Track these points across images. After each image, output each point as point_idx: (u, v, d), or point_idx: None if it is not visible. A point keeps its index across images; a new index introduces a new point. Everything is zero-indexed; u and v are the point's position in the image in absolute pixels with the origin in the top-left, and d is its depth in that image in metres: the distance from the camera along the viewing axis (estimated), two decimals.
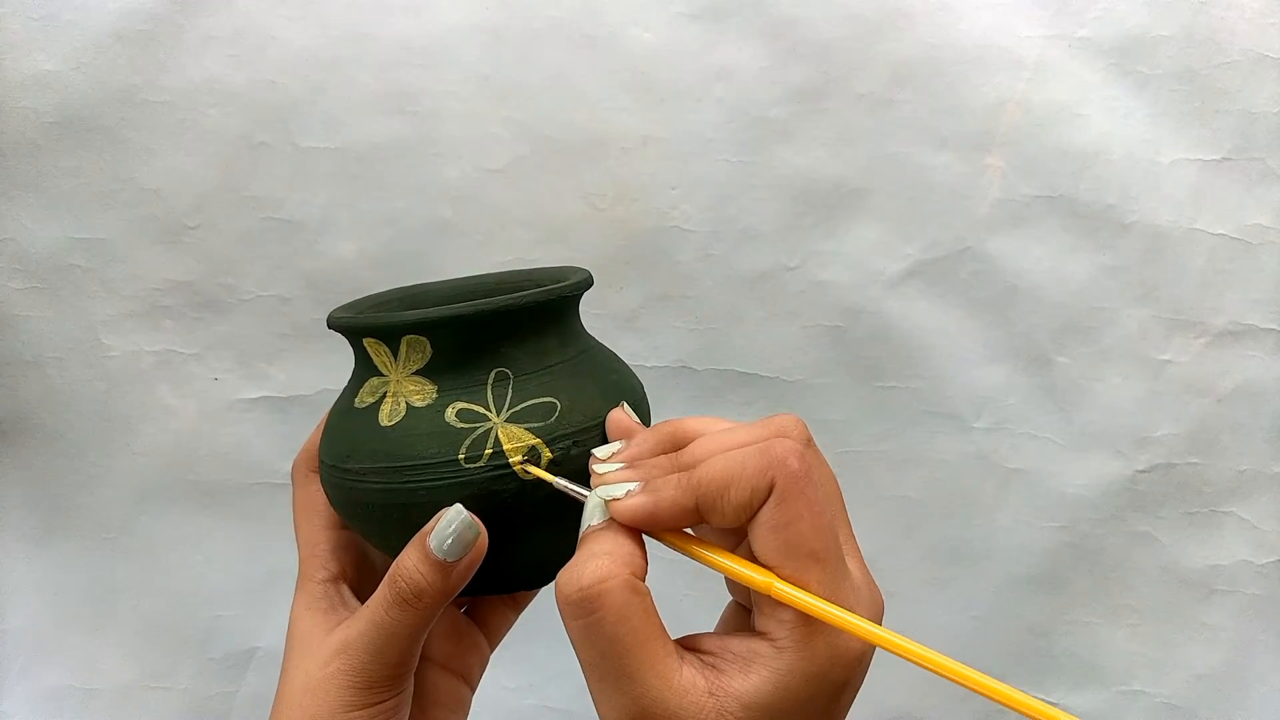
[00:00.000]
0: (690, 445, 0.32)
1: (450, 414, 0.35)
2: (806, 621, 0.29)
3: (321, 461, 0.38)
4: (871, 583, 0.31)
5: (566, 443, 0.35)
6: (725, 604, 0.35)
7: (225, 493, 0.63)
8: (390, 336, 0.36)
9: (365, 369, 0.37)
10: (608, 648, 0.29)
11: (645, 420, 0.39)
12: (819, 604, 0.28)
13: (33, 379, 0.61)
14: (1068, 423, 0.64)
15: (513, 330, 0.36)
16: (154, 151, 0.59)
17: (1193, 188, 0.61)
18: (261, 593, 0.65)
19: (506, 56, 0.59)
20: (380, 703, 0.35)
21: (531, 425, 0.35)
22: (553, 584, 0.43)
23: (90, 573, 0.64)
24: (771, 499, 0.29)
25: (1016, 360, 0.64)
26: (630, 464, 0.33)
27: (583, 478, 0.34)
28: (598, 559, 0.29)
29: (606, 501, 0.31)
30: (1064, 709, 0.26)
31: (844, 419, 0.64)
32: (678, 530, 0.32)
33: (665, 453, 0.33)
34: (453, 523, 0.33)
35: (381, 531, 0.37)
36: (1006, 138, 0.61)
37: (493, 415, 0.35)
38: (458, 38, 0.59)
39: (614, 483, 0.32)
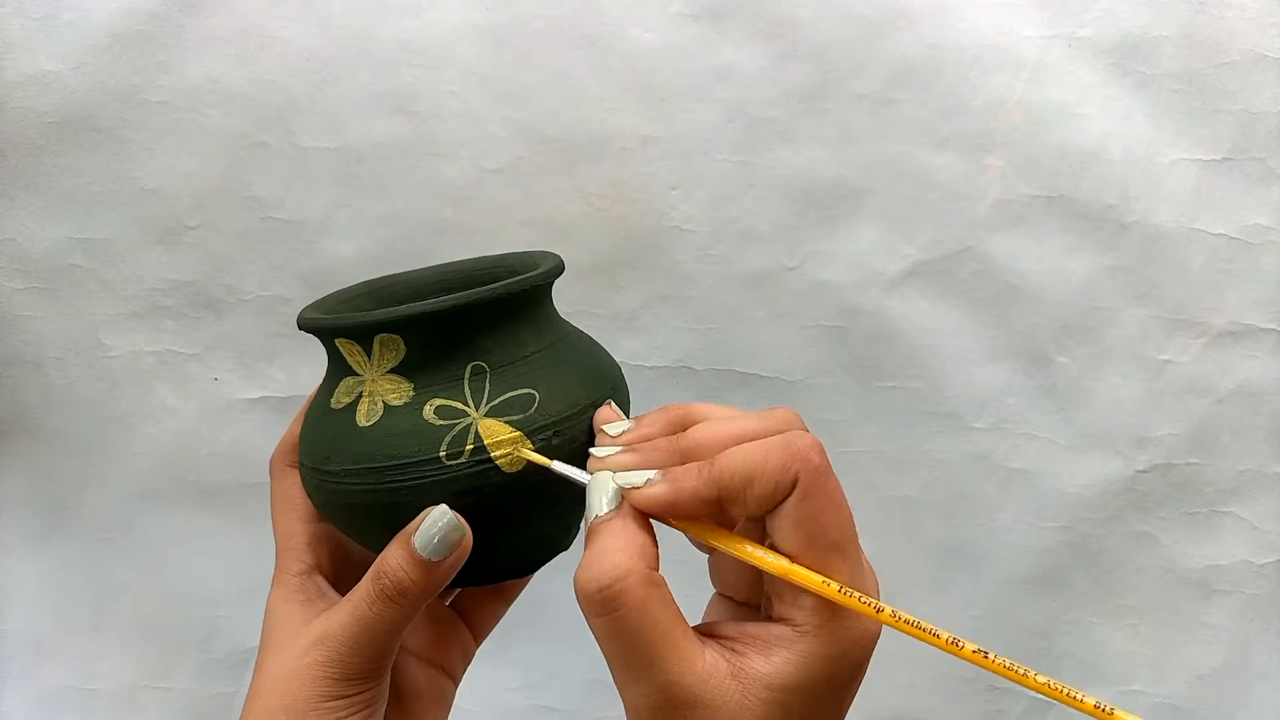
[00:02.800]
0: (691, 431, 0.32)
1: (428, 411, 0.34)
2: (827, 607, 0.30)
3: (301, 463, 0.38)
4: (872, 570, 0.33)
5: (547, 433, 0.34)
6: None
7: (225, 493, 0.63)
8: (362, 336, 0.35)
9: (339, 369, 0.37)
10: (630, 641, 0.29)
11: (626, 405, 0.39)
12: (833, 588, 0.30)
13: (33, 379, 0.61)
14: (1068, 423, 0.64)
15: (486, 323, 0.35)
16: (154, 151, 0.59)
17: (1193, 188, 0.61)
18: (262, 593, 0.64)
19: (506, 56, 0.59)
20: (356, 694, 0.35)
21: (511, 418, 0.34)
22: (532, 577, 0.44)
23: (90, 573, 0.64)
24: (795, 493, 0.29)
25: (1016, 360, 0.64)
26: (630, 447, 0.33)
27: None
28: (613, 556, 0.30)
29: (623, 489, 0.31)
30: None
31: (844, 419, 0.64)
32: (694, 518, 0.32)
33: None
34: (437, 523, 0.33)
35: (364, 531, 0.37)
36: (1006, 138, 0.61)
37: (471, 410, 0.34)
38: (458, 38, 0.59)
39: (617, 468, 0.32)
